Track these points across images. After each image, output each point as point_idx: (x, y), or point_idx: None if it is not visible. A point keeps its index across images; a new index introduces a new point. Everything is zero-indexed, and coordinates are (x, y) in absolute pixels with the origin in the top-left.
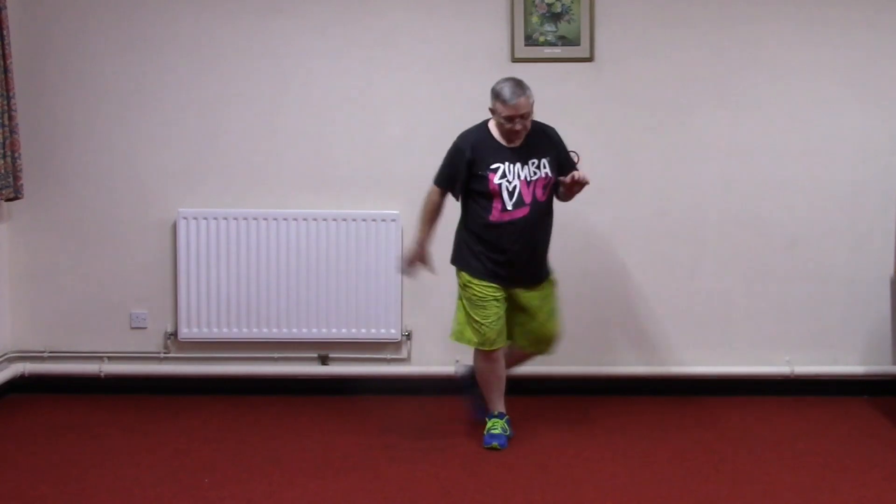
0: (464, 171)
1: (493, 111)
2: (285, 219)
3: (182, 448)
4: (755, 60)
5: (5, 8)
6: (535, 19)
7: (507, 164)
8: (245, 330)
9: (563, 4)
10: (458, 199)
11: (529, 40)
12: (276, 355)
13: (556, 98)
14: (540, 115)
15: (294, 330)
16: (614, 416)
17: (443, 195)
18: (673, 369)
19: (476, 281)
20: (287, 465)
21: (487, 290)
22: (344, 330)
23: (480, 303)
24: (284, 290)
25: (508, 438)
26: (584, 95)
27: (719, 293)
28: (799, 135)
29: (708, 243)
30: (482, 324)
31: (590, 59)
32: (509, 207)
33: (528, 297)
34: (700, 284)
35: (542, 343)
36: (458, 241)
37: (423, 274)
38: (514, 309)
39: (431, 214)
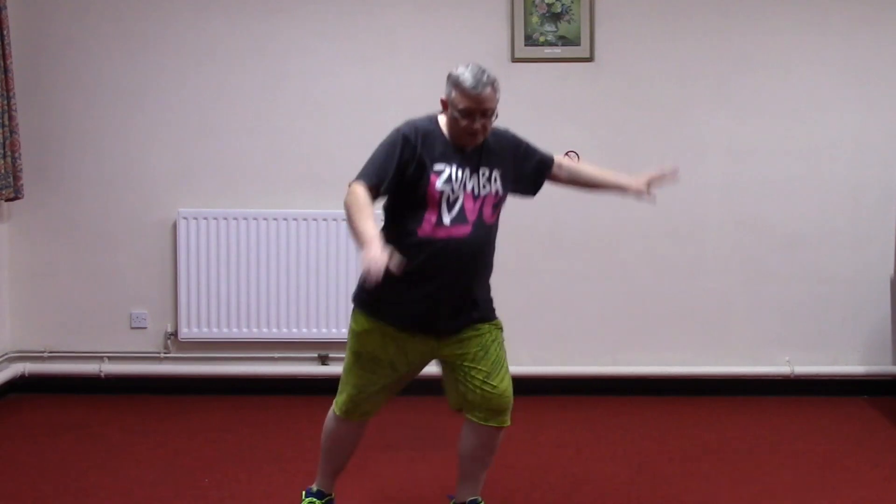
0: (402, 164)
1: (445, 103)
2: (285, 219)
3: (182, 448)
4: (755, 60)
5: (5, 8)
6: (535, 19)
7: (454, 167)
8: (245, 330)
9: (563, 4)
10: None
11: (529, 40)
12: (276, 355)
13: (556, 98)
14: (540, 115)
15: (294, 330)
16: (614, 416)
17: (369, 193)
18: (673, 369)
19: (371, 325)
20: (287, 465)
21: (384, 349)
22: (344, 330)
23: (370, 364)
24: (284, 290)
25: None
26: (584, 95)
27: (719, 293)
28: (799, 135)
29: (708, 243)
30: (355, 386)
31: (590, 59)
32: (446, 222)
33: (460, 345)
34: (700, 284)
35: (490, 408)
36: None
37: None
38: (450, 369)
39: (368, 208)
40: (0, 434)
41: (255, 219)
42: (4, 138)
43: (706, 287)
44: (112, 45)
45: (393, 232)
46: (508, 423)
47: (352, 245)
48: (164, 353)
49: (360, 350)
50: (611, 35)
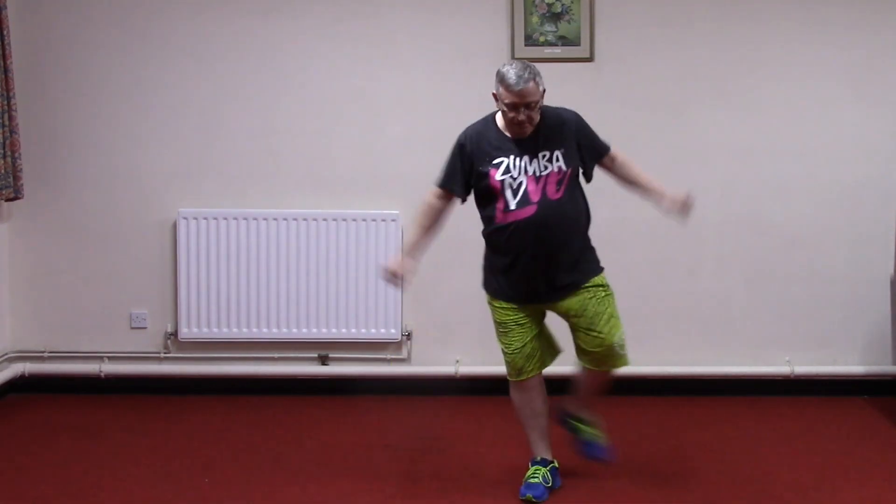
0: (464, 167)
1: (496, 97)
2: (285, 219)
3: (182, 448)
4: (755, 60)
5: (5, 8)
6: (535, 19)
7: (512, 157)
8: (245, 330)
9: (563, 4)
10: (462, 201)
11: (529, 40)
12: (276, 355)
13: (556, 98)
14: None
15: (294, 330)
16: (615, 416)
17: (441, 196)
18: (673, 369)
19: (496, 303)
20: (287, 465)
21: (507, 314)
22: (344, 330)
23: (502, 329)
24: (284, 290)
25: (550, 490)
26: (584, 95)
27: (719, 293)
28: (799, 135)
29: (708, 243)
30: (506, 352)
31: (590, 59)
32: (512, 207)
33: (564, 306)
34: (700, 284)
35: (594, 356)
36: (483, 257)
37: (407, 283)
38: (567, 320)
39: (423, 217)
40: (0, 434)
41: (255, 219)
42: (4, 138)
43: (706, 287)
44: (112, 45)
45: (483, 222)
46: (619, 365)
47: (351, 245)
48: (164, 353)
49: (495, 320)
50: (611, 35)
